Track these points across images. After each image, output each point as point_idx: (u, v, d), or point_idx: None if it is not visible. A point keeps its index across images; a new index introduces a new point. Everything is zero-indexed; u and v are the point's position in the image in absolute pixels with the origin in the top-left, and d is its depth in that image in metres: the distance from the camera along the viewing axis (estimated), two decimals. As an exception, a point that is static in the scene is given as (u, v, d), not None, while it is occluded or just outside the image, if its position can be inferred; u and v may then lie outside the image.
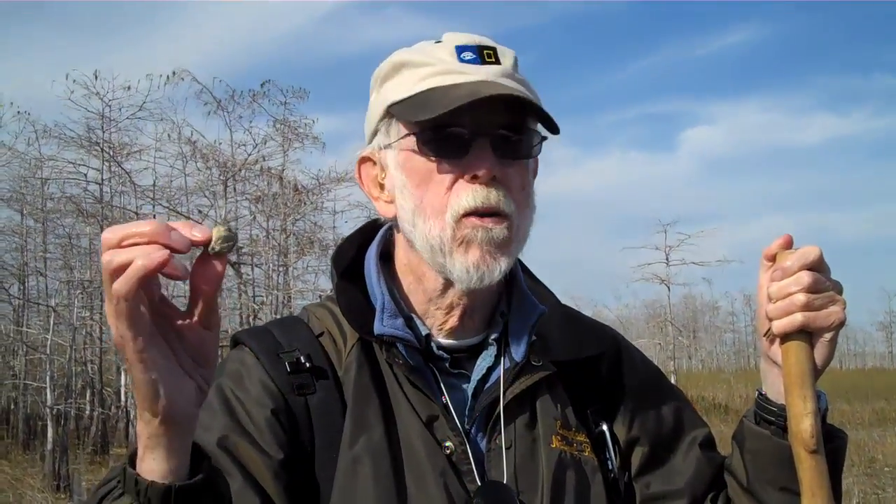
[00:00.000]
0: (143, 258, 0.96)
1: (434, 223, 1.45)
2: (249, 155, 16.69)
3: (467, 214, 1.42)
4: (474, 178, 1.42)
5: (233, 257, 16.24)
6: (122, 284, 0.97)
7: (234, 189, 17.04)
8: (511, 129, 1.45)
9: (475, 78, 1.44)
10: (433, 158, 1.45)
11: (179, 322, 1.06)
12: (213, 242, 1.02)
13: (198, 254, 1.04)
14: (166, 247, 0.98)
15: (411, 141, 1.46)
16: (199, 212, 16.95)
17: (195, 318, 1.06)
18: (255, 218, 17.70)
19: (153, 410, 1.04)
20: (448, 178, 1.44)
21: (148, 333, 1.01)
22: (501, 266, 1.45)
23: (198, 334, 1.06)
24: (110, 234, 1.00)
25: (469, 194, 1.42)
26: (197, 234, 1.01)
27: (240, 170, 16.58)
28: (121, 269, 0.97)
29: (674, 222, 23.07)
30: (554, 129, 1.47)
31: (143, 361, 1.01)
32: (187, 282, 1.04)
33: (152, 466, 1.07)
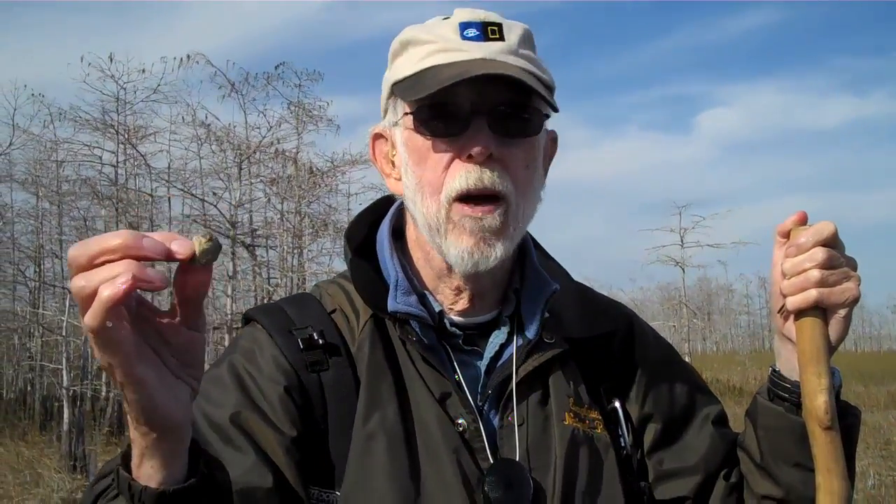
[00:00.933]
0: (109, 287, 0.91)
1: (431, 202, 1.44)
2: (264, 137, 16.68)
3: (460, 198, 1.41)
4: (470, 157, 1.41)
5: (247, 239, 16.28)
6: (91, 319, 0.93)
7: (249, 171, 17.02)
8: (513, 107, 1.43)
9: (473, 56, 1.42)
10: (430, 137, 1.44)
11: (164, 324, 1.02)
12: (197, 256, 0.97)
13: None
14: (141, 258, 0.93)
15: (410, 119, 1.46)
16: (214, 194, 16.95)
17: (181, 320, 1.02)
18: (269, 200, 17.70)
19: (150, 425, 1.02)
20: (445, 156, 1.43)
21: (134, 353, 0.97)
22: (497, 252, 1.43)
23: (184, 336, 1.03)
24: (77, 253, 0.94)
25: (462, 174, 1.41)
26: (177, 248, 0.96)
27: (254, 152, 16.56)
28: (90, 299, 0.92)
29: (689, 204, 22.93)
30: (553, 108, 1.45)
31: (133, 383, 0.98)
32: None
33: (149, 473, 1.06)
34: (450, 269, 1.50)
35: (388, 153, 1.56)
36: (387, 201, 1.65)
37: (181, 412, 1.04)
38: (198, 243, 0.97)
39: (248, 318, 1.56)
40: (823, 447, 1.32)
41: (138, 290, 0.95)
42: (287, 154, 17.28)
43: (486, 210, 1.41)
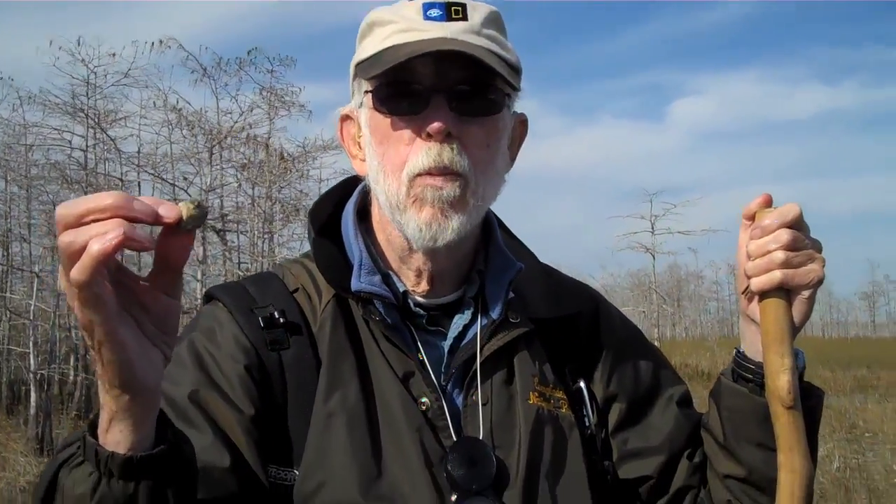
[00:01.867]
0: (99, 241, 0.91)
1: (392, 180, 1.44)
2: (235, 122, 16.62)
3: (421, 174, 1.41)
4: (429, 136, 1.40)
5: (218, 224, 16.20)
6: (78, 272, 0.92)
7: (220, 156, 16.94)
8: (473, 86, 1.42)
9: (432, 35, 1.41)
10: (390, 115, 1.44)
11: (143, 290, 1.02)
12: (183, 221, 0.97)
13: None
14: (131, 219, 0.93)
15: (370, 98, 1.46)
16: (185, 178, 16.87)
17: (159, 287, 1.03)
18: (240, 185, 17.65)
19: (124, 387, 1.02)
20: (406, 134, 1.43)
21: (115, 311, 0.97)
22: (454, 224, 1.42)
23: (161, 303, 1.03)
24: (66, 211, 0.94)
25: (423, 153, 1.40)
26: (164, 212, 0.96)
27: (225, 137, 16.49)
28: (78, 254, 0.92)
29: (660, 192, 23.16)
30: (512, 86, 1.44)
31: (112, 341, 0.98)
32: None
33: (118, 438, 1.06)
34: (411, 249, 1.49)
35: (354, 135, 1.55)
36: (353, 181, 1.64)
37: (154, 377, 1.04)
38: (185, 209, 0.98)
39: (209, 297, 1.54)
40: (786, 426, 1.32)
41: (117, 256, 0.96)
42: (258, 139, 17.24)
43: (446, 180, 1.41)
